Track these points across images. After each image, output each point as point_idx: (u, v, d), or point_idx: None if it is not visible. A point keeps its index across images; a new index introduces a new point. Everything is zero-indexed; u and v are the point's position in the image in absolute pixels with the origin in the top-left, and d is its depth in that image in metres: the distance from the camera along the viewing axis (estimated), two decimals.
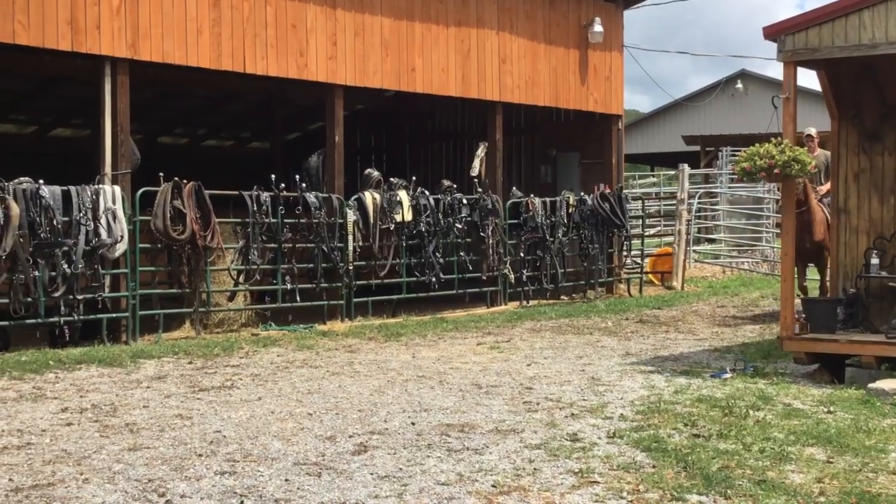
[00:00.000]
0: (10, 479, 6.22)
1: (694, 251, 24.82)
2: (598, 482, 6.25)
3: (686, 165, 22.53)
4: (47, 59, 14.43)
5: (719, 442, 7.25)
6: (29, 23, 11.93)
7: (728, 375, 10.08)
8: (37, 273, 11.63)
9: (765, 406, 8.55)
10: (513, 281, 17.28)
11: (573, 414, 8.31)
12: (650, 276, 21.38)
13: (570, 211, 17.99)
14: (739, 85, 42.31)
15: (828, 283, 12.93)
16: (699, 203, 26.25)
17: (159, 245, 12.93)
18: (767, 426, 7.76)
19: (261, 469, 6.53)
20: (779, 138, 10.06)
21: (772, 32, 10.26)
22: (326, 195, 14.75)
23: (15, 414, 8.25)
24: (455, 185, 16.71)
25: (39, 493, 5.92)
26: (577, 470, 6.52)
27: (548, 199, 17.84)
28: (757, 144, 10.06)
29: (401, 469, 6.54)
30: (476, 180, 17.32)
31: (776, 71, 47.67)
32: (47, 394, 9.15)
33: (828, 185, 13.46)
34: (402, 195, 15.45)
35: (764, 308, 16.81)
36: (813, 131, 14.39)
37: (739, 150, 21.37)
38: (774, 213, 23.52)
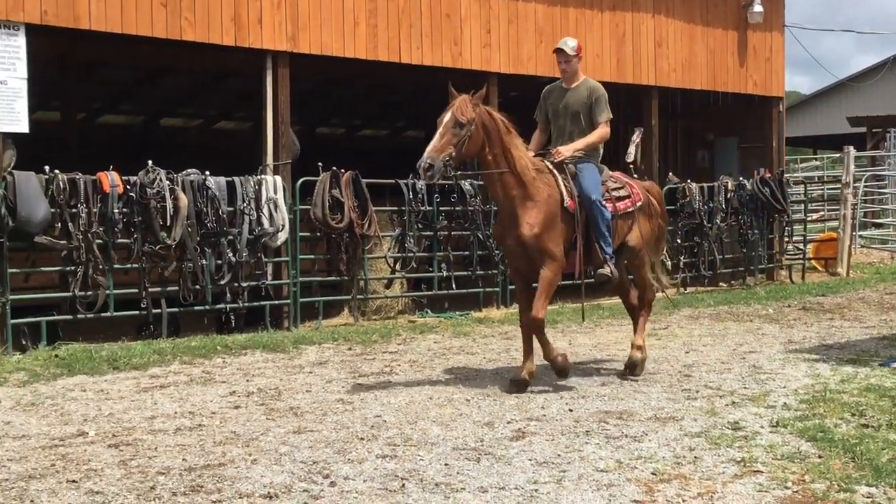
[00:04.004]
0: (183, 459, 6.48)
1: (860, 236, 23.96)
2: (762, 471, 6.12)
3: (851, 148, 21.72)
4: (212, 54, 14.91)
5: (889, 433, 7.00)
6: (195, 20, 12.36)
7: None
8: (204, 261, 12.06)
9: None
10: (670, 268, 17.03)
11: (734, 402, 8.15)
12: (813, 262, 20.75)
13: (728, 196, 17.62)
14: None
15: (539, 315, 8.80)
16: (865, 187, 25.31)
17: (318, 233, 13.21)
18: None
19: (421, 453, 6.62)
20: None
21: None
22: (481, 182, 14.80)
23: (186, 397, 8.59)
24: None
25: (211, 473, 6.15)
26: (739, 459, 6.39)
27: (705, 185, 17.51)
28: None
29: (559, 455, 6.54)
30: (631, 166, 17.12)
31: None
32: (216, 378, 9.49)
33: (590, 140, 9.20)
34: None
35: None
36: (569, 46, 9.35)
37: None
38: None
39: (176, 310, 12.15)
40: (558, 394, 8.57)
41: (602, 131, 9.27)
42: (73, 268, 11.26)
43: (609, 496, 5.67)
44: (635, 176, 16.55)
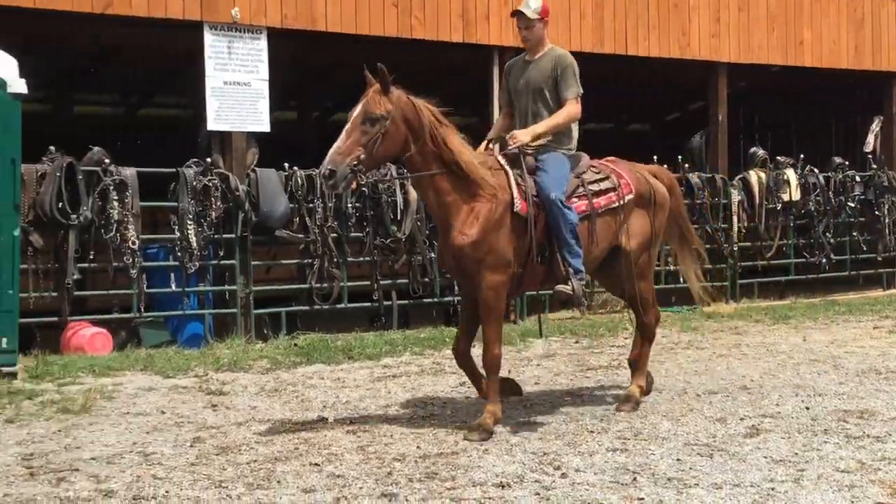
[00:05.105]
0: (417, 447, 6.65)
1: None
2: None
3: None
4: (438, 51, 15.19)
5: None
6: (424, 18, 12.67)
7: None
8: (432, 254, 12.32)
9: None
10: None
11: None
12: None
13: None
14: None
15: (495, 352, 7.16)
16: None
17: None
18: None
19: (651, 448, 6.56)
20: None
21: None
22: (709, 175, 14.53)
23: (418, 387, 8.81)
24: (847, 162, 15.95)
25: (445, 461, 6.28)
26: None
27: None
28: None
29: (796, 454, 6.34)
30: (870, 156, 16.44)
31: None
32: (446, 369, 9.68)
33: (555, 121, 7.57)
34: (790, 174, 14.94)
35: None
36: (531, 8, 7.57)
37: None
38: None
39: (405, 302, 12.47)
40: (793, 391, 8.31)
41: (570, 109, 7.61)
42: (309, 261, 11.74)
43: (851, 497, 5.46)
44: (873, 166, 15.86)
